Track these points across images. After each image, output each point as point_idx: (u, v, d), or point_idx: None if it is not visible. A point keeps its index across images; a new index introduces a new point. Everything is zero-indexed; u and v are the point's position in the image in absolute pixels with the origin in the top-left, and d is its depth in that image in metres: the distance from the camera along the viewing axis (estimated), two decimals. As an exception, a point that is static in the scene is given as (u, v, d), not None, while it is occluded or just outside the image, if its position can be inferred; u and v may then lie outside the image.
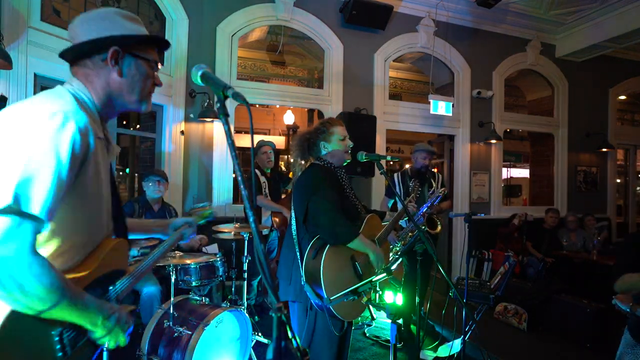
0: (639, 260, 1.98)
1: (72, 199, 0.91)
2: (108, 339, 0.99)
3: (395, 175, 3.92)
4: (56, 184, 0.84)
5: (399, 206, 3.64)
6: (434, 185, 3.75)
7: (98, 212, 1.02)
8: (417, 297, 3.30)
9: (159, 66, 1.14)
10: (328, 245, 1.79)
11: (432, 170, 3.84)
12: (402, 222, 3.43)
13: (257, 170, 3.94)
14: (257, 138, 5.53)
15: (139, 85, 1.07)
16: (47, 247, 0.91)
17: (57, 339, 0.90)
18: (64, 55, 1.05)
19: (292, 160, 2.18)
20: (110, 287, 1.06)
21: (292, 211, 1.98)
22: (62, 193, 0.86)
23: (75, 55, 1.04)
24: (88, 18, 1.04)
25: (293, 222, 1.96)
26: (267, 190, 3.94)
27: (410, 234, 3.02)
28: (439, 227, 3.14)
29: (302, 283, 1.81)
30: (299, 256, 1.87)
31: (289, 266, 1.93)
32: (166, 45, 1.17)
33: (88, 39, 1.01)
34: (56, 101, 0.91)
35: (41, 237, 0.88)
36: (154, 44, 1.12)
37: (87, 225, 0.99)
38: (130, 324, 1.04)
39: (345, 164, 2.09)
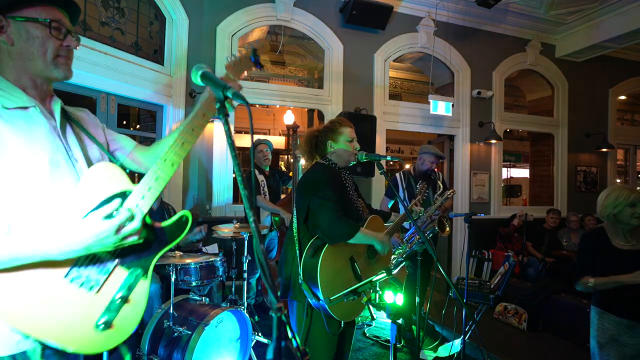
0: (594, 260, 2.12)
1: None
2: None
3: (398, 175, 3.87)
4: None
5: (400, 206, 3.64)
6: (440, 187, 3.75)
7: (41, 186, 0.97)
8: (417, 297, 3.29)
9: (62, 25, 1.03)
10: (327, 245, 1.79)
11: (435, 170, 3.82)
12: (405, 224, 3.42)
13: (254, 170, 3.94)
14: (257, 138, 5.53)
15: (38, 50, 1.00)
16: None
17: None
18: None
19: (299, 156, 2.19)
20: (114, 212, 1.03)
21: (294, 209, 1.98)
22: None
23: None
24: None
25: (295, 220, 1.96)
26: (265, 189, 3.94)
27: (417, 237, 3.01)
28: (448, 229, 3.14)
29: (300, 282, 1.81)
30: (298, 254, 1.87)
31: (289, 265, 1.94)
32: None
33: None
34: None
35: None
36: (46, 2, 1.01)
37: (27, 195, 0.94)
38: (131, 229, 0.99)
39: (350, 165, 2.09)
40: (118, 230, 0.95)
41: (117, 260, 1.02)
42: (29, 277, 0.91)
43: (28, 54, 1.00)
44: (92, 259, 0.98)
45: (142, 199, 1.03)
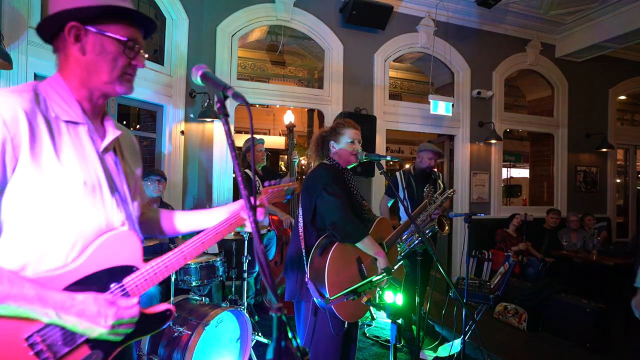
0: None
1: (18, 188, 0.86)
2: (99, 336, 0.90)
3: (398, 174, 3.86)
4: None
5: (400, 207, 3.64)
6: (440, 186, 3.75)
7: (72, 204, 0.92)
8: (417, 297, 3.30)
9: (138, 46, 1.01)
10: (335, 244, 1.79)
11: (435, 170, 3.82)
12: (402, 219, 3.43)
13: (248, 171, 3.91)
14: (248, 137, 5.53)
15: (107, 65, 0.97)
16: (12, 248, 0.89)
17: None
18: (43, 38, 1.00)
19: (296, 159, 2.21)
20: (113, 285, 0.97)
21: (300, 209, 1.99)
22: None
23: (47, 37, 0.99)
24: None
25: (300, 220, 1.97)
26: (260, 189, 3.94)
27: (416, 235, 3.01)
28: (447, 228, 3.15)
29: (306, 280, 1.81)
30: (304, 254, 1.87)
31: (295, 265, 1.94)
32: (140, 18, 1.01)
33: (50, 14, 0.94)
34: None
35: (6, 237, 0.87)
36: (127, 19, 0.99)
37: (54, 220, 0.90)
38: (128, 319, 0.93)
39: (350, 167, 2.10)
40: (119, 324, 0.91)
41: (86, 337, 0.91)
42: None
43: (96, 67, 0.97)
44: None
45: (144, 281, 1.00)
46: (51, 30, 0.97)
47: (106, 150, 1.04)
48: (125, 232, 1.02)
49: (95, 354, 0.93)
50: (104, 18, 0.96)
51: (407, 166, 3.95)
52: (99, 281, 0.95)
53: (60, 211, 0.91)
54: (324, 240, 1.83)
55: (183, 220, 1.32)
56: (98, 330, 0.89)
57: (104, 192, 0.99)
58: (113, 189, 1.03)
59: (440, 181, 3.75)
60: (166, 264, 1.05)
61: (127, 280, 0.99)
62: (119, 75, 0.99)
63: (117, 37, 0.96)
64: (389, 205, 3.83)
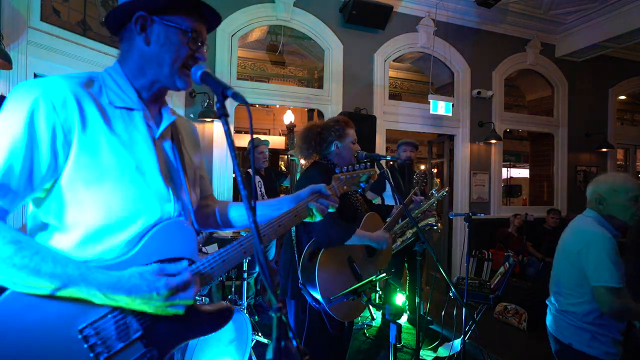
0: None
1: (72, 174, 0.85)
2: (154, 309, 0.86)
3: (383, 171, 3.91)
4: (10, 155, 0.79)
5: (394, 198, 3.63)
6: (436, 184, 3.75)
7: (126, 190, 0.90)
8: (417, 298, 3.29)
9: (201, 39, 1.00)
10: (322, 250, 1.78)
11: (412, 160, 3.94)
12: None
13: (250, 171, 3.94)
14: (255, 137, 5.53)
15: (170, 56, 0.96)
16: (57, 233, 0.88)
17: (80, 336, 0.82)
18: (110, 28, 1.00)
19: (296, 151, 2.16)
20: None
21: None
22: (29, 164, 0.80)
23: (114, 27, 0.99)
24: None
25: None
26: (262, 190, 3.95)
27: (409, 231, 2.99)
28: (441, 225, 3.15)
29: (300, 286, 1.80)
30: (297, 257, 1.87)
31: (287, 265, 1.94)
32: (206, 11, 1.00)
33: (118, 5, 0.95)
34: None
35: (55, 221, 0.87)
36: (193, 12, 0.98)
37: (106, 207, 0.88)
38: (182, 285, 0.88)
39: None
40: (172, 293, 0.86)
41: (141, 332, 0.89)
42: (43, 316, 0.79)
43: (159, 58, 0.96)
44: (121, 318, 0.87)
45: (204, 269, 0.97)
46: (119, 20, 0.97)
47: (162, 137, 1.02)
48: (180, 223, 0.97)
49: (150, 351, 0.89)
50: (171, 9, 0.96)
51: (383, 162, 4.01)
52: None
53: (113, 198, 0.88)
54: (312, 246, 1.81)
55: (238, 213, 1.24)
56: (153, 302, 0.85)
57: (157, 180, 0.95)
58: (168, 177, 0.99)
59: (417, 172, 3.79)
60: (224, 258, 1.00)
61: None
62: (181, 66, 0.98)
63: (182, 27, 0.96)
64: (374, 202, 3.83)
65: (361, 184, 1.39)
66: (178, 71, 0.98)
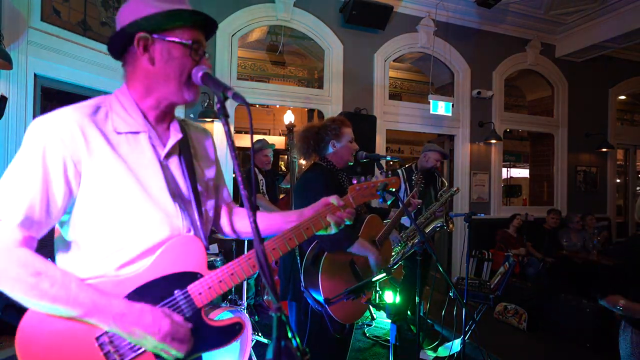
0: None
1: (85, 199, 0.91)
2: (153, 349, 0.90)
3: (400, 171, 3.86)
4: (24, 188, 0.85)
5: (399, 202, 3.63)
6: (443, 183, 3.74)
7: (134, 212, 0.93)
8: (417, 297, 3.30)
9: (202, 48, 1.01)
10: (326, 252, 1.77)
11: (437, 167, 3.84)
12: (404, 222, 3.42)
13: (254, 168, 3.96)
14: (257, 138, 5.53)
15: (175, 72, 0.97)
16: (78, 252, 0.94)
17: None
18: (113, 54, 1.01)
19: (294, 151, 2.14)
20: (177, 291, 0.95)
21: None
22: (40, 194, 0.86)
23: (118, 52, 1.00)
24: (122, 5, 0.98)
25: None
26: (264, 188, 3.96)
27: (414, 235, 3.00)
28: (452, 226, 3.13)
29: (302, 289, 1.80)
30: (298, 260, 1.86)
31: (288, 267, 1.93)
32: (202, 20, 1.01)
33: (117, 29, 0.96)
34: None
35: (72, 242, 0.94)
36: (189, 23, 0.99)
37: (117, 228, 0.93)
38: (180, 343, 0.91)
39: (348, 165, 2.08)
40: (168, 341, 0.89)
41: None
42: (66, 325, 0.86)
43: (165, 75, 0.97)
44: None
45: (208, 289, 0.98)
46: (120, 45, 0.99)
47: (170, 154, 1.03)
48: (189, 238, 1.01)
49: None
50: (168, 24, 0.96)
51: (406, 165, 3.92)
52: (163, 287, 0.95)
53: (123, 220, 0.93)
54: (315, 249, 1.81)
55: (242, 223, 1.25)
56: (151, 341, 0.87)
57: (165, 199, 0.98)
58: (175, 195, 1.01)
59: (442, 179, 3.76)
60: (232, 271, 1.03)
61: (191, 286, 0.97)
62: (187, 79, 0.99)
63: (183, 41, 0.97)
64: (389, 203, 3.82)
65: (378, 193, 1.36)
66: (185, 83, 0.99)
